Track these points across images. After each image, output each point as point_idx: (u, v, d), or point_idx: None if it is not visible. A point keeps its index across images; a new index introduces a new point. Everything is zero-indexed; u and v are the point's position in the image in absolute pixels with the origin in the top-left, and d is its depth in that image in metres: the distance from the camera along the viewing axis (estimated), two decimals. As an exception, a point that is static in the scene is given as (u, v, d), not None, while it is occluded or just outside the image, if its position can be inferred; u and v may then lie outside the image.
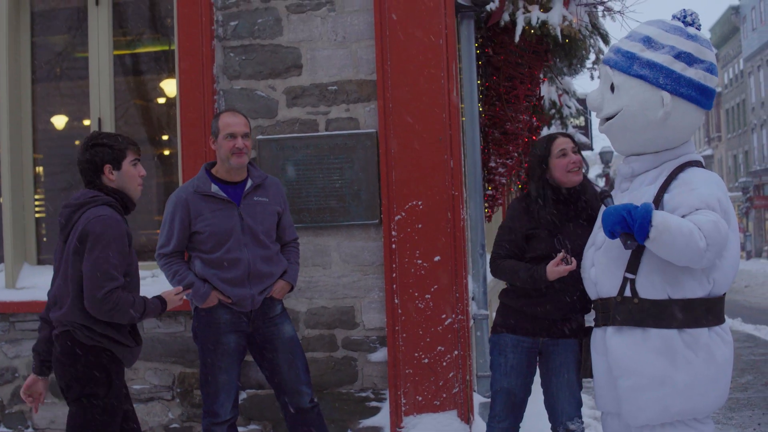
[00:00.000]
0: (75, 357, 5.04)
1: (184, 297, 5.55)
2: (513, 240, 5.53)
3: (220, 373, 5.95)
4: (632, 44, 4.79)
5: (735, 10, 66.99)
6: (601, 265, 4.83)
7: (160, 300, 5.24)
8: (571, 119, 15.12)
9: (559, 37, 8.67)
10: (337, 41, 7.40)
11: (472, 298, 7.71)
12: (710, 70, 4.73)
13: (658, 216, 4.26)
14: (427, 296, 7.00)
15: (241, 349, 6.08)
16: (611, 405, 4.90)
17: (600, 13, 9.79)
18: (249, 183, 6.04)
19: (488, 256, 6.22)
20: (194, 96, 7.55)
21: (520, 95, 9.24)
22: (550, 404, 5.60)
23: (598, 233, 4.91)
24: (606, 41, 9.92)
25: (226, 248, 5.90)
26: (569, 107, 13.53)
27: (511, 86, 9.17)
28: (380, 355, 7.30)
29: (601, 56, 10.21)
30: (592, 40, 9.65)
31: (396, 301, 7.07)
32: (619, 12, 9.65)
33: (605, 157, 36.87)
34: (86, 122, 8.25)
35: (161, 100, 8.46)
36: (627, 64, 4.74)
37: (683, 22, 4.78)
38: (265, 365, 6.14)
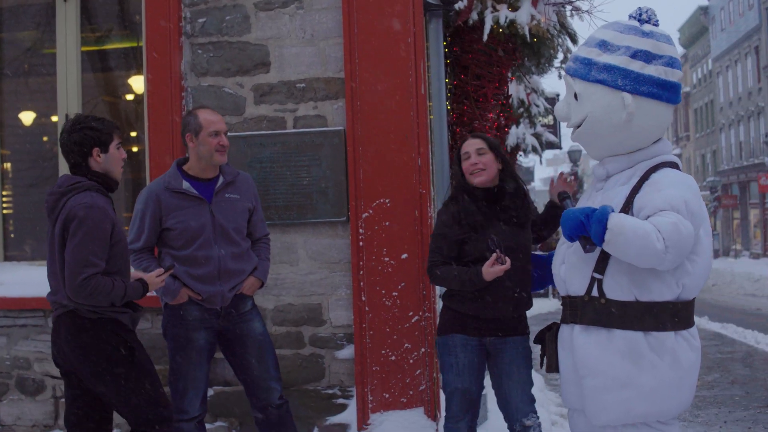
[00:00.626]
0: (82, 333, 5.16)
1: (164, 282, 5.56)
2: (445, 246, 5.53)
3: (189, 370, 5.95)
4: (589, 50, 4.76)
5: (704, 10, 67.35)
6: (571, 264, 4.80)
7: (141, 283, 5.29)
8: (540, 118, 15.22)
9: (527, 36, 8.72)
10: (306, 39, 7.40)
11: (440, 296, 7.73)
12: (670, 64, 4.67)
13: (613, 218, 4.23)
14: (394, 294, 7.02)
15: (211, 346, 6.07)
16: (577, 402, 4.89)
17: (568, 13, 9.82)
18: (221, 180, 6.03)
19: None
20: (162, 93, 7.53)
21: (488, 94, 9.29)
22: (503, 404, 5.62)
23: None
24: (574, 41, 9.97)
25: (196, 245, 5.89)
26: (538, 106, 13.63)
27: (479, 85, 9.21)
28: (347, 352, 7.32)
29: (569, 55, 10.26)
30: (560, 40, 9.70)
31: (363, 298, 7.08)
32: (587, 11, 9.69)
33: (573, 156, 37.02)
34: (54, 118, 8.22)
35: (129, 97, 8.44)
36: (585, 70, 4.71)
37: (639, 20, 4.75)
38: (235, 362, 6.14)
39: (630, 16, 4.81)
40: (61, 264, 5.11)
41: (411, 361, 7.03)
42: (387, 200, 7.05)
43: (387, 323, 7.04)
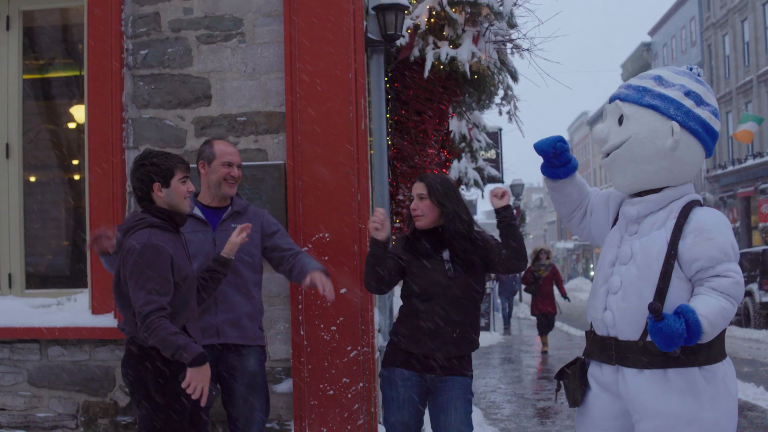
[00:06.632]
0: (134, 360, 5.19)
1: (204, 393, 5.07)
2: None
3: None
4: (644, 81, 4.83)
5: (647, 46, 68.21)
6: (620, 309, 4.69)
7: (201, 355, 4.95)
8: (482, 152, 15.34)
9: (468, 73, 8.82)
10: (247, 72, 7.44)
11: (378, 330, 7.76)
12: (715, 114, 4.79)
13: (703, 322, 4.28)
14: (332, 328, 7.04)
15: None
16: None
17: (509, 51, 9.95)
18: (229, 209, 6.10)
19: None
20: (102, 123, 7.50)
21: (428, 129, 9.37)
22: None
23: (610, 275, 4.81)
24: (514, 78, 10.10)
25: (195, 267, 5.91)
26: (479, 141, 13.73)
27: (420, 120, 9.30)
28: (286, 386, 7.30)
29: (510, 92, 10.39)
30: (500, 77, 9.81)
31: (302, 332, 7.09)
32: (527, 49, 9.83)
33: (516, 190, 37.22)
34: (-5, 147, 8.17)
35: (71, 126, 8.40)
36: (638, 95, 4.76)
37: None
38: (224, 392, 6.11)
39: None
40: (118, 297, 5.21)
41: (349, 395, 7.03)
42: (327, 235, 7.08)
43: (325, 357, 7.05)
